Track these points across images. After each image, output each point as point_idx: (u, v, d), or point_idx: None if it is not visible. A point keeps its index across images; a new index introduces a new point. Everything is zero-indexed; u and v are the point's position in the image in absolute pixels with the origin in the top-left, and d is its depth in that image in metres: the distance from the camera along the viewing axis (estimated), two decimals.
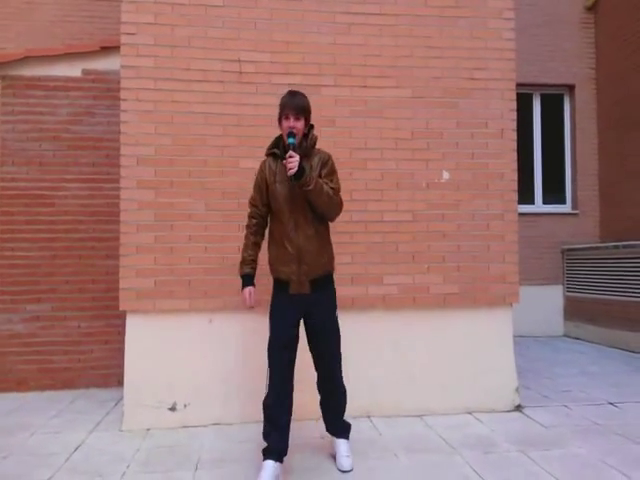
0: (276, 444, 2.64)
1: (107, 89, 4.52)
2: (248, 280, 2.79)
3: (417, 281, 3.71)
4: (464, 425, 3.44)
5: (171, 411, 3.48)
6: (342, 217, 2.90)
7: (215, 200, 3.56)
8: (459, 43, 3.83)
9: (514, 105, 3.89)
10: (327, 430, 2.97)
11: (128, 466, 2.85)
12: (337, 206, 2.72)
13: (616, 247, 5.97)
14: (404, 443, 3.13)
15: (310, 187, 2.55)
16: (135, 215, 3.48)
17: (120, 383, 3.65)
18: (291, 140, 2.60)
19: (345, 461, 2.80)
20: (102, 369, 4.41)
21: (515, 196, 3.86)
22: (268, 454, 2.64)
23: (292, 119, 2.65)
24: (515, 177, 3.86)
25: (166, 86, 3.55)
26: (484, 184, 3.81)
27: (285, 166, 2.56)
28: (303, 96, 2.75)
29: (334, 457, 2.88)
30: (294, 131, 2.63)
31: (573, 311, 6.72)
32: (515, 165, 3.88)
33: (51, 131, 4.49)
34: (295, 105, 2.67)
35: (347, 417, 2.97)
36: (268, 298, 2.83)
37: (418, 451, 3.02)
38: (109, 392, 4.23)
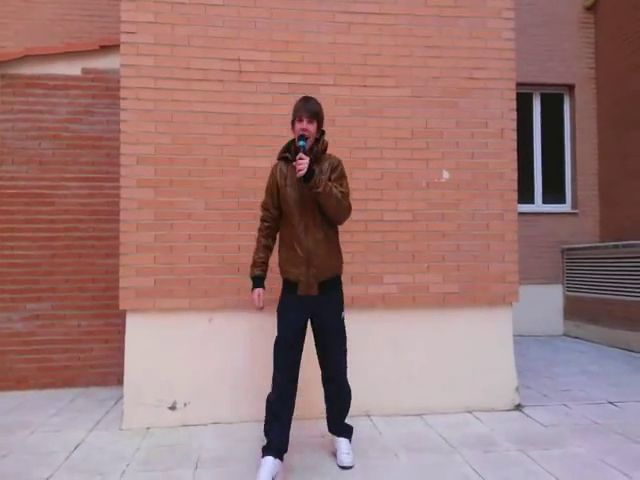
0: (276, 438, 2.66)
1: (106, 88, 4.52)
2: (258, 282, 2.84)
3: (417, 280, 3.71)
4: (464, 424, 3.45)
5: (171, 410, 3.48)
6: None
7: (215, 199, 3.56)
8: (459, 43, 3.83)
9: (514, 105, 3.90)
10: (329, 430, 2.99)
11: (128, 465, 2.85)
12: (346, 210, 2.77)
13: (616, 247, 5.98)
14: (404, 442, 3.14)
15: (319, 189, 2.59)
16: (135, 214, 3.48)
17: (120, 382, 3.65)
18: (301, 143, 2.65)
19: (345, 458, 2.81)
20: (102, 368, 4.42)
21: (515, 196, 3.86)
22: (268, 450, 2.65)
23: (305, 122, 2.70)
24: (515, 177, 3.87)
25: (166, 85, 3.55)
26: (484, 184, 3.82)
27: (295, 168, 2.60)
28: (317, 102, 2.81)
29: (335, 456, 2.88)
30: (306, 134, 2.68)
31: (573, 310, 6.72)
32: (515, 165, 3.88)
33: (51, 130, 4.49)
34: (309, 109, 2.73)
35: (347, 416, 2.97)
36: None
37: (418, 450, 3.02)
38: (109, 391, 4.24)
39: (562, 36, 6.93)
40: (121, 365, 3.53)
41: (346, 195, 2.75)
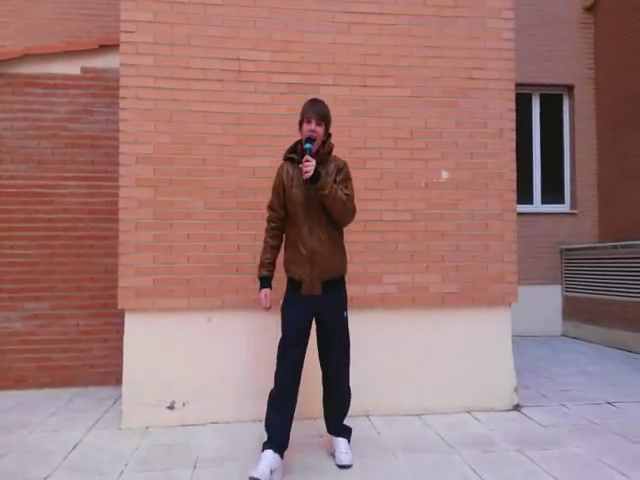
0: (277, 432, 2.67)
1: (105, 87, 4.51)
2: (265, 282, 2.88)
3: (416, 280, 3.71)
4: (463, 424, 3.45)
5: (170, 409, 3.48)
6: None
7: (214, 199, 3.56)
8: (458, 43, 3.83)
9: (513, 105, 3.90)
10: (328, 431, 2.99)
11: (126, 464, 2.85)
12: (350, 212, 2.81)
13: (615, 247, 5.98)
14: (403, 442, 3.14)
15: (325, 192, 2.64)
16: (134, 213, 3.48)
17: (119, 381, 3.64)
18: (308, 145, 2.69)
19: (344, 457, 2.82)
20: (101, 367, 4.41)
21: (514, 196, 3.86)
22: (268, 444, 2.66)
23: (314, 124, 2.75)
24: (514, 177, 3.87)
25: (165, 84, 3.54)
26: (483, 184, 3.82)
27: (302, 170, 2.63)
28: (325, 105, 2.85)
29: (333, 455, 2.88)
30: (313, 136, 2.72)
31: (572, 311, 6.73)
32: (514, 165, 3.88)
33: (50, 129, 4.48)
34: (317, 111, 2.78)
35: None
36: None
37: (417, 450, 3.02)
38: (108, 390, 4.23)
39: (561, 36, 6.94)
40: (120, 365, 3.52)
41: (351, 198, 2.79)
